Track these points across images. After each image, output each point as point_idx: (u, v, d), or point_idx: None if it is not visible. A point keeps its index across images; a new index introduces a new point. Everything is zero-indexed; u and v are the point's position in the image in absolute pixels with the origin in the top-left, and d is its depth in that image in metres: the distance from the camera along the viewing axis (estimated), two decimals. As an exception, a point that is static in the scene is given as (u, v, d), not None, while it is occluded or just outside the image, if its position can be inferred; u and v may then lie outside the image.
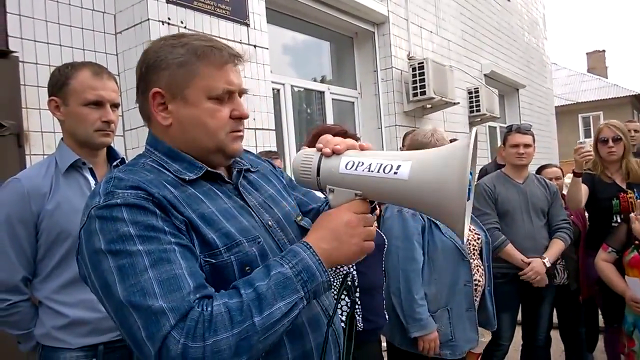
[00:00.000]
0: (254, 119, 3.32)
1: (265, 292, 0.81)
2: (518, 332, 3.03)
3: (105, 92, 1.50)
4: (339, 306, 1.91)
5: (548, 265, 2.74)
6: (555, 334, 3.32)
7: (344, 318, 1.93)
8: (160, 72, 0.97)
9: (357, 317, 1.97)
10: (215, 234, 0.91)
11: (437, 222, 2.14)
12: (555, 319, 3.24)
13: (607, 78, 24.80)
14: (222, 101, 0.97)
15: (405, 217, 2.14)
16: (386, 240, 2.13)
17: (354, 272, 0.98)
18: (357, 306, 0.87)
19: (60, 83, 1.49)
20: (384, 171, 0.87)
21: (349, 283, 0.97)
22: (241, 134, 1.01)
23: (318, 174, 0.94)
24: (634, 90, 22.07)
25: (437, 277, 2.14)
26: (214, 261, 0.89)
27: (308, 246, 0.88)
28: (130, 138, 3.00)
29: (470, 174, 0.84)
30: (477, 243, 2.27)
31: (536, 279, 2.71)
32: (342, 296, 1.94)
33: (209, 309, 0.78)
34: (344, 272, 0.98)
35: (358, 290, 1.97)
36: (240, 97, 1.03)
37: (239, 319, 0.78)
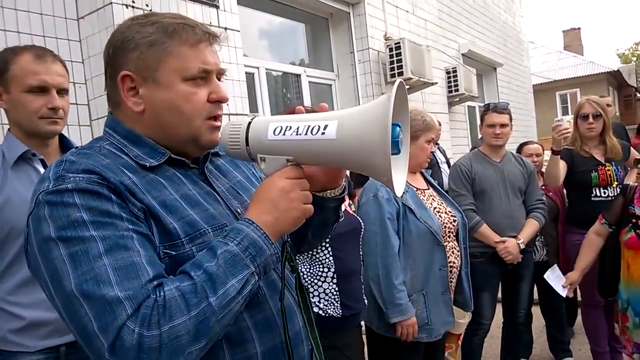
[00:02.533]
0: (227, 104, 3.22)
1: (216, 271, 0.77)
2: (499, 309, 3.05)
3: (49, 76, 1.39)
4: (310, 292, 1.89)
5: (522, 247, 2.75)
6: (536, 310, 3.35)
7: (321, 305, 1.93)
8: (128, 54, 0.90)
9: (332, 301, 1.94)
10: (177, 223, 0.85)
11: (412, 206, 2.11)
12: (535, 295, 3.27)
13: (582, 55, 25.12)
14: (198, 83, 0.91)
15: (380, 201, 2.10)
16: (363, 225, 2.10)
17: (290, 241, 0.96)
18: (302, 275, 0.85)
19: (0, 69, 1.39)
20: (311, 133, 0.84)
21: (288, 250, 0.96)
22: (219, 123, 0.95)
23: (247, 144, 0.90)
24: (609, 67, 22.41)
25: (412, 262, 2.12)
26: (173, 253, 0.84)
27: (250, 222, 0.85)
28: (98, 128, 2.88)
29: (400, 127, 0.84)
30: (454, 225, 2.25)
31: (508, 258, 2.73)
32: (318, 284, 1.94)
33: (162, 294, 0.74)
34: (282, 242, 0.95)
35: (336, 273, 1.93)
36: (218, 79, 0.96)
37: (194, 301, 0.74)
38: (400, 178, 0.89)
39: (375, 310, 2.15)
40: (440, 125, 4.15)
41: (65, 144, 1.53)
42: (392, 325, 2.10)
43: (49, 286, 0.77)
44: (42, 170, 1.42)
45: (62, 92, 1.44)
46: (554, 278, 2.81)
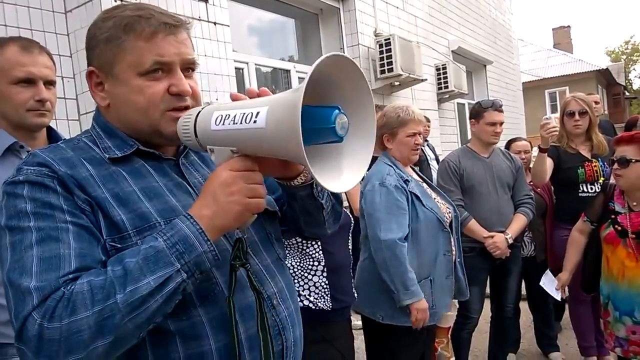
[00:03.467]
0: (217, 99, 3.22)
1: (132, 267, 0.76)
2: (488, 305, 3.08)
3: (36, 68, 1.38)
4: (307, 286, 1.91)
5: (510, 241, 2.77)
6: (523, 305, 3.39)
7: (312, 298, 1.94)
8: (94, 50, 0.92)
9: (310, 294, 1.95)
10: (127, 215, 0.85)
11: (418, 194, 2.16)
12: (523, 291, 3.30)
13: (572, 53, 25.33)
14: (157, 76, 0.90)
15: (389, 189, 2.12)
16: (352, 219, 2.11)
17: (245, 237, 0.91)
18: (250, 270, 0.80)
19: None
20: (245, 121, 0.77)
21: (241, 247, 0.90)
22: (181, 114, 0.91)
23: (196, 135, 0.86)
24: (598, 65, 22.63)
25: (420, 249, 2.14)
26: (119, 245, 0.83)
27: (188, 216, 0.82)
28: (86, 122, 2.86)
29: (339, 109, 0.76)
30: (448, 217, 2.29)
31: (496, 253, 2.75)
32: (308, 276, 1.95)
33: (71, 288, 0.75)
34: (236, 237, 0.91)
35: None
36: (190, 70, 0.94)
37: (99, 297, 0.74)
38: (344, 174, 0.80)
39: (380, 300, 2.15)
40: (429, 120, 4.18)
41: (53, 137, 1.52)
42: (401, 313, 2.12)
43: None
44: None
45: (49, 84, 1.43)
46: (548, 282, 2.84)
